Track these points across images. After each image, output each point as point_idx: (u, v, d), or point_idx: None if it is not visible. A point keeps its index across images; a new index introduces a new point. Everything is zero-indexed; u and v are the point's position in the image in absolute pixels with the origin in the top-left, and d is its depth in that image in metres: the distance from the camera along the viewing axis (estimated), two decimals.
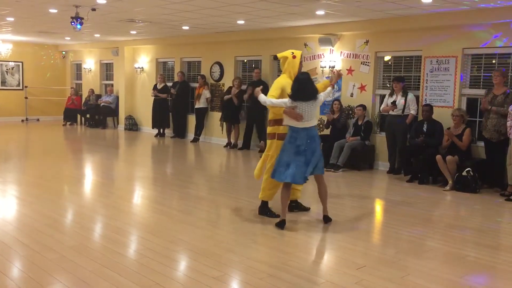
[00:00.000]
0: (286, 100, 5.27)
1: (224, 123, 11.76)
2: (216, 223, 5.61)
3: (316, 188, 5.51)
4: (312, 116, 5.30)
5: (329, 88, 5.64)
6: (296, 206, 5.91)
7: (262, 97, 5.39)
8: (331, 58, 9.95)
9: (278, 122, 5.49)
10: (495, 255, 4.63)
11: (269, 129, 5.65)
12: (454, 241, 5.03)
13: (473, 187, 7.26)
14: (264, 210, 5.71)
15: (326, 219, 5.50)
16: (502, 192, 7.14)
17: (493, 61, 8.00)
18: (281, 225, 5.22)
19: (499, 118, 7.19)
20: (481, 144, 7.80)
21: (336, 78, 5.90)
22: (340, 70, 6.52)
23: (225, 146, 11.73)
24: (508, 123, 6.93)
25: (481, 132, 7.61)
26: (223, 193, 7.00)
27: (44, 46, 17.28)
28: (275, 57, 6.08)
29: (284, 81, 5.52)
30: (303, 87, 5.24)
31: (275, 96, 5.38)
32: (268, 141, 5.67)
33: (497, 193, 7.26)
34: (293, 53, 5.62)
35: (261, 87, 5.78)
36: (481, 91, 7.91)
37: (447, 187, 7.44)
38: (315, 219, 5.74)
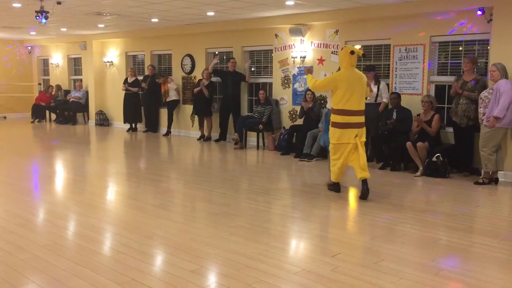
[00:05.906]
0: None
1: (196, 116, 11.67)
2: (192, 216, 5.59)
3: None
4: None
5: None
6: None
7: None
8: (302, 48, 9.98)
9: None
10: (466, 238, 4.75)
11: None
12: (426, 225, 5.14)
13: (443, 172, 7.42)
14: None
15: None
16: (476, 180, 7.26)
17: (460, 48, 8.16)
18: None
19: (469, 104, 7.35)
20: (450, 130, 7.98)
21: None
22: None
23: (199, 139, 11.68)
24: (481, 110, 7.06)
25: (450, 118, 7.77)
26: (198, 186, 6.98)
27: (9, 42, 16.81)
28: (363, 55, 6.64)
29: None
30: None
31: None
32: None
33: (466, 177, 7.45)
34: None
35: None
36: (449, 78, 8.06)
37: (418, 173, 7.59)
38: (290, 207, 5.78)
